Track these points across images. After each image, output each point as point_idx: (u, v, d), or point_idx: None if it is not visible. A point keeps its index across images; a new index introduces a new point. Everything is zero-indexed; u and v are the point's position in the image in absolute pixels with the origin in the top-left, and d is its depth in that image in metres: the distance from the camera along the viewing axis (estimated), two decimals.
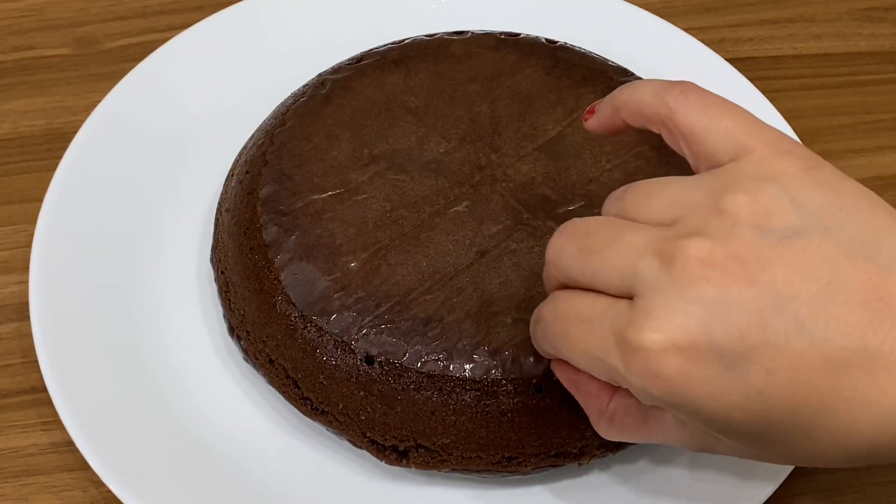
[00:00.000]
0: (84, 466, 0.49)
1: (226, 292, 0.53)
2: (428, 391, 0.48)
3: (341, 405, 0.49)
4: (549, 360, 0.47)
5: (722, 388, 0.38)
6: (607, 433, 0.44)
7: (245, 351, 0.52)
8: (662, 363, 0.38)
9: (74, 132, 0.58)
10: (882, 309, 0.38)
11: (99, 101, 0.59)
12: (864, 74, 0.69)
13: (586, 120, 0.47)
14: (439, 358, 0.48)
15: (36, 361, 0.51)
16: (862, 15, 0.71)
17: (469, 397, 0.48)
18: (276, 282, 0.50)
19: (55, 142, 0.62)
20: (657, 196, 0.41)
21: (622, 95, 0.45)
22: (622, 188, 0.42)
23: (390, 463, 0.49)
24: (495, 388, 0.48)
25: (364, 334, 0.48)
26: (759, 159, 0.40)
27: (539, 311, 0.44)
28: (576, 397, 0.45)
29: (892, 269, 0.38)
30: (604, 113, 0.46)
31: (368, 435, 0.49)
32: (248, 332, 0.51)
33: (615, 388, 0.44)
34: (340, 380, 0.49)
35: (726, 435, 0.40)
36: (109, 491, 0.48)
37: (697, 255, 0.38)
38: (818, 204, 0.39)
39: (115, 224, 0.56)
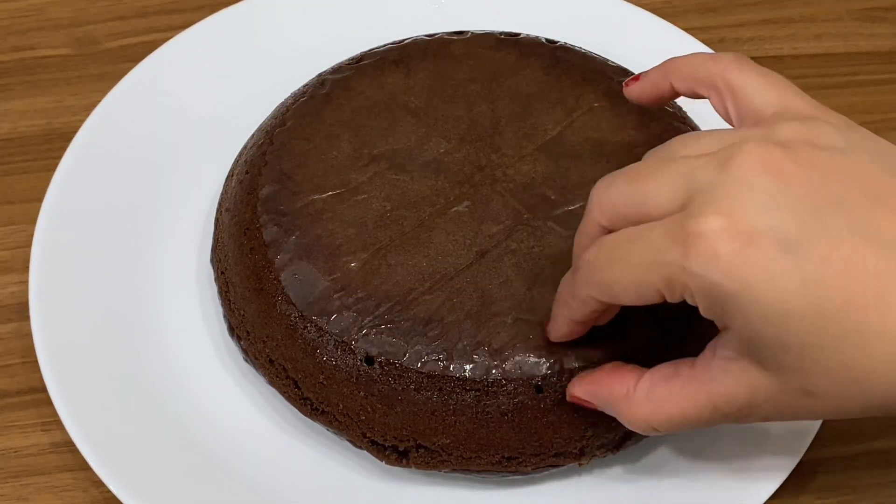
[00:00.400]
0: (84, 466, 0.49)
1: (226, 292, 0.53)
2: (428, 391, 0.48)
3: (341, 405, 0.49)
4: (550, 361, 0.47)
5: (780, 273, 0.39)
6: (646, 417, 0.44)
7: (245, 351, 0.52)
8: (723, 244, 0.39)
9: (74, 132, 0.58)
10: None
11: (99, 101, 0.59)
12: (865, 74, 0.69)
13: (627, 86, 0.50)
14: (439, 358, 0.48)
15: (36, 361, 0.51)
16: (862, 15, 0.71)
17: (469, 397, 0.48)
18: (275, 282, 0.50)
19: (55, 142, 0.62)
20: (705, 137, 0.43)
21: (675, 61, 0.48)
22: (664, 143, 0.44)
23: (390, 463, 0.49)
24: (495, 388, 0.48)
25: (364, 334, 0.48)
26: (804, 110, 0.43)
27: (578, 261, 0.44)
28: (601, 404, 0.46)
29: None
30: (652, 79, 0.48)
31: (368, 435, 0.49)
32: (248, 332, 0.51)
33: (641, 371, 0.44)
34: (340, 380, 0.49)
35: (779, 340, 0.40)
36: (109, 491, 0.48)
37: (756, 155, 0.40)
38: (861, 138, 0.42)
39: (115, 224, 0.56)
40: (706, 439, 0.51)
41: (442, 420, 0.48)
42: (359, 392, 0.48)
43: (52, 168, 0.56)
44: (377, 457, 0.49)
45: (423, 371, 0.48)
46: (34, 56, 0.66)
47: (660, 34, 0.64)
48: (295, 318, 0.49)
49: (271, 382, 0.51)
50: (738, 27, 0.70)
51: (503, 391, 0.48)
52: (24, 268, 0.55)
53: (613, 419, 0.47)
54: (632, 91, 0.50)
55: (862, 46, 0.70)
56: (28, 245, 0.54)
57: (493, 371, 0.47)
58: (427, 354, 0.48)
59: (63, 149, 0.57)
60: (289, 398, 0.50)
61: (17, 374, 0.54)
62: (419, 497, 0.50)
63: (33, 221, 0.54)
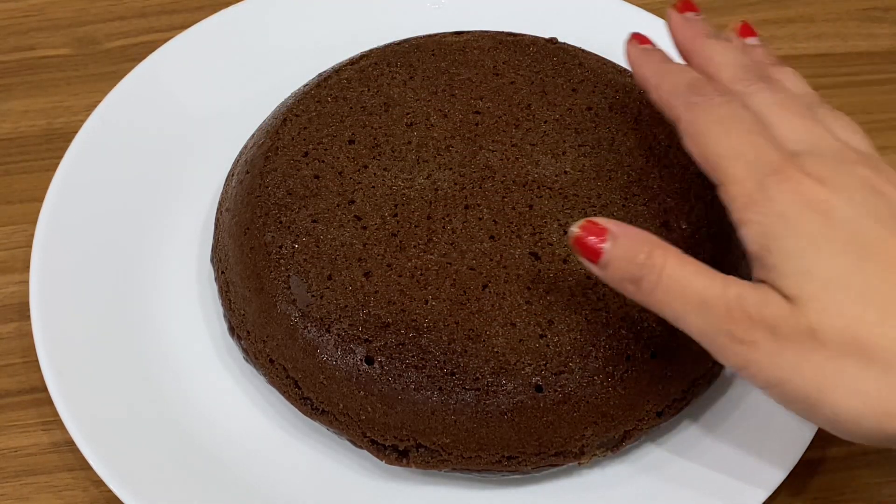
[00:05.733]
0: (84, 466, 0.49)
1: (226, 292, 0.53)
2: (428, 391, 0.48)
3: (341, 405, 0.49)
4: (550, 361, 0.47)
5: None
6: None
7: (245, 351, 0.52)
8: None
9: (74, 132, 0.58)
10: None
11: (99, 101, 0.59)
12: (864, 74, 0.69)
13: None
14: (439, 358, 0.48)
15: (36, 361, 0.51)
16: (862, 15, 0.71)
17: (469, 397, 0.48)
18: (276, 282, 0.50)
19: (55, 142, 0.62)
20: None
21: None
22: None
23: (390, 462, 0.49)
24: (495, 387, 0.48)
25: (364, 334, 0.48)
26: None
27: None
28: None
29: None
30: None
31: (368, 435, 0.49)
32: (248, 332, 0.51)
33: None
34: (340, 380, 0.49)
35: None
36: (109, 491, 0.48)
37: None
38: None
39: (115, 224, 0.56)
40: (706, 440, 0.51)
41: (442, 419, 0.48)
42: (359, 392, 0.48)
43: (52, 168, 0.56)
44: (377, 456, 0.49)
45: (424, 371, 0.48)
46: (34, 56, 0.66)
47: (660, 34, 0.64)
48: (295, 318, 0.49)
49: (271, 382, 0.51)
50: None
51: (503, 391, 0.48)
52: (25, 268, 0.55)
53: (613, 419, 0.48)
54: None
55: (862, 46, 0.70)
56: (28, 245, 0.54)
57: (493, 371, 0.48)
58: (427, 354, 0.48)
59: (63, 149, 0.57)
60: (289, 398, 0.50)
61: (17, 373, 0.54)
62: (419, 497, 0.50)
63: (33, 221, 0.55)
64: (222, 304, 0.53)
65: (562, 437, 0.48)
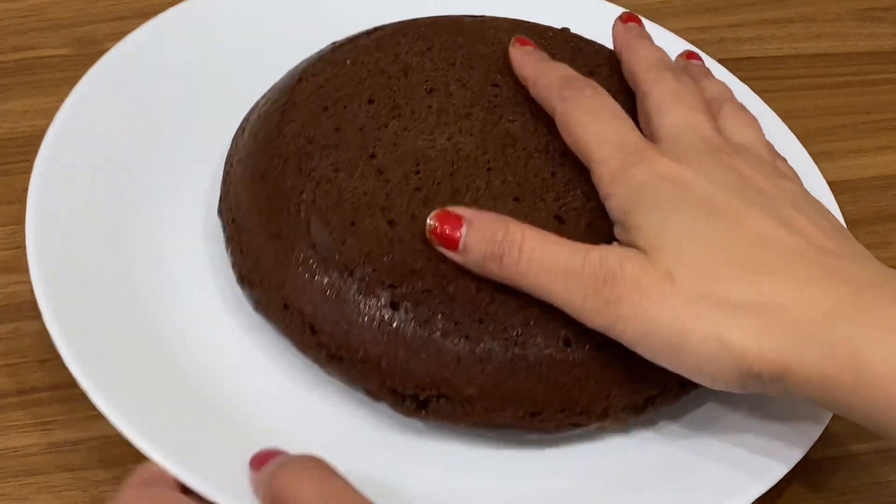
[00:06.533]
0: (84, 466, 0.49)
1: (236, 240, 0.51)
2: (455, 338, 0.47)
3: (361, 352, 0.47)
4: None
5: None
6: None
7: (256, 300, 0.50)
8: None
9: None
10: None
11: None
12: (864, 74, 0.69)
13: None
14: (467, 306, 0.47)
15: (36, 361, 0.51)
16: (862, 15, 0.71)
17: (497, 346, 0.47)
18: (295, 227, 0.49)
19: None
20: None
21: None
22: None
23: (408, 414, 0.48)
24: (524, 338, 0.47)
25: (390, 277, 0.47)
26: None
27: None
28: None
29: None
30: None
31: (388, 383, 0.47)
32: (261, 278, 0.50)
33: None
34: (362, 325, 0.47)
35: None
36: (109, 490, 0.48)
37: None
38: None
39: (115, 177, 0.55)
40: (728, 417, 0.51)
41: (468, 369, 0.47)
42: (382, 338, 0.47)
43: None
44: (395, 407, 0.48)
45: (451, 317, 0.47)
46: (34, 56, 0.66)
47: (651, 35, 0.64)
48: (315, 262, 0.48)
49: (284, 331, 0.49)
50: (738, 27, 0.70)
51: (532, 342, 0.47)
52: (25, 268, 0.54)
53: (638, 381, 0.48)
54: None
55: (861, 46, 0.70)
56: None
57: (523, 321, 0.47)
58: (455, 302, 0.47)
59: None
60: (303, 346, 0.49)
61: (17, 373, 0.54)
62: (433, 454, 0.49)
63: None
64: (231, 254, 0.52)
65: (588, 394, 0.48)
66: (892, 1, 0.72)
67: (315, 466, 0.43)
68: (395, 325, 0.47)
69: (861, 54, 0.69)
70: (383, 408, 0.49)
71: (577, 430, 0.49)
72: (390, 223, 0.49)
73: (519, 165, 0.51)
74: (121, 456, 0.50)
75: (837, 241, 0.46)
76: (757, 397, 0.50)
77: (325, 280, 0.48)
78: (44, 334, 0.52)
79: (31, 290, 0.51)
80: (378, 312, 0.47)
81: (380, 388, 0.48)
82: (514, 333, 0.47)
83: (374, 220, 0.49)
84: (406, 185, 0.50)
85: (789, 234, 0.45)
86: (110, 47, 0.65)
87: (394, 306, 0.47)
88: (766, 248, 0.45)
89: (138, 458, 0.47)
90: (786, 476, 0.49)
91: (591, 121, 0.50)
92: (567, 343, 0.47)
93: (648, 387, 0.49)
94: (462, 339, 0.47)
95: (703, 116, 0.50)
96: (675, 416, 0.51)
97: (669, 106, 0.50)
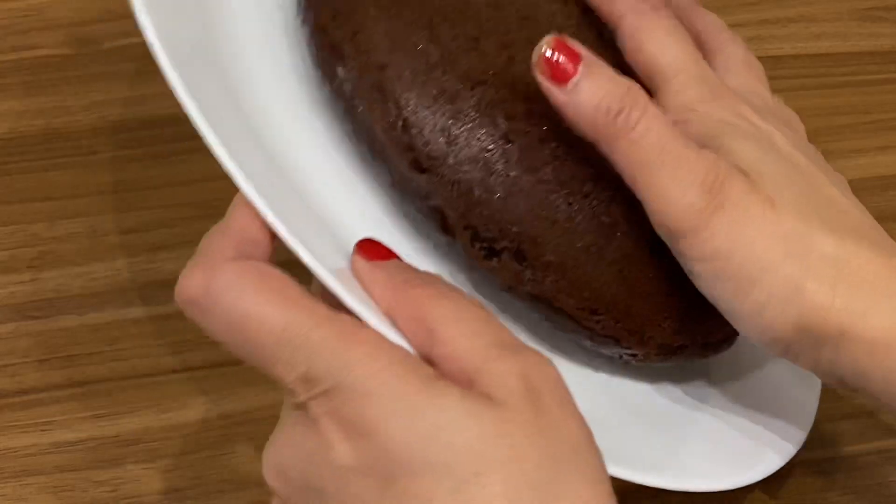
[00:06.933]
0: (84, 466, 0.49)
1: (331, 3, 0.45)
2: (559, 198, 0.43)
3: (456, 175, 0.43)
4: None
5: None
6: None
7: (342, 79, 0.44)
8: None
9: (74, 132, 0.58)
10: None
11: (98, 101, 0.59)
12: (865, 74, 0.69)
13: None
14: (578, 175, 0.44)
15: (36, 362, 0.51)
16: (862, 15, 0.71)
17: (593, 226, 0.44)
18: (419, 14, 0.44)
19: (54, 141, 0.61)
20: None
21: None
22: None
23: (476, 258, 0.44)
24: (619, 229, 0.44)
25: (511, 110, 0.43)
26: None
27: None
28: None
29: None
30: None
31: (470, 218, 0.43)
32: (358, 49, 0.44)
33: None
34: (466, 143, 0.43)
35: None
36: (109, 490, 0.48)
37: None
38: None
39: None
40: (707, 411, 0.50)
41: (558, 235, 0.43)
42: (484, 165, 0.43)
43: (52, 168, 0.56)
44: (465, 249, 0.44)
45: (561, 177, 0.43)
46: (34, 56, 0.66)
47: None
48: (436, 58, 0.44)
49: (368, 108, 0.44)
50: (738, 27, 0.70)
51: (626, 234, 0.44)
52: (25, 268, 0.55)
53: (682, 323, 0.46)
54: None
55: (862, 46, 0.70)
56: (28, 245, 0.54)
57: (624, 213, 0.44)
58: (568, 161, 0.44)
59: (63, 149, 0.57)
60: (386, 139, 0.43)
61: (17, 374, 0.54)
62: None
63: (33, 221, 0.55)
64: (317, 15, 0.45)
65: (646, 313, 0.45)
66: (893, 1, 0.72)
67: (464, 296, 0.39)
68: (504, 158, 0.43)
69: (862, 54, 0.69)
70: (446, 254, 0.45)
71: (606, 354, 0.47)
72: (510, 60, 0.44)
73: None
74: (120, 456, 0.51)
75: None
76: (754, 390, 0.50)
77: (443, 83, 0.43)
78: (44, 334, 0.52)
79: (31, 291, 0.52)
80: (489, 139, 0.43)
81: (459, 220, 0.43)
82: (613, 220, 0.44)
83: (496, 49, 0.45)
84: (520, 34, 0.46)
85: (855, 206, 0.45)
86: (110, 47, 0.66)
87: (507, 139, 0.43)
88: (846, 213, 0.44)
89: (138, 458, 0.48)
90: (786, 476, 0.49)
91: (670, 42, 0.46)
92: (653, 251, 0.44)
93: (685, 333, 0.47)
94: (565, 204, 0.43)
95: (764, 87, 0.49)
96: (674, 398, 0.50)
97: (742, 68, 0.49)
